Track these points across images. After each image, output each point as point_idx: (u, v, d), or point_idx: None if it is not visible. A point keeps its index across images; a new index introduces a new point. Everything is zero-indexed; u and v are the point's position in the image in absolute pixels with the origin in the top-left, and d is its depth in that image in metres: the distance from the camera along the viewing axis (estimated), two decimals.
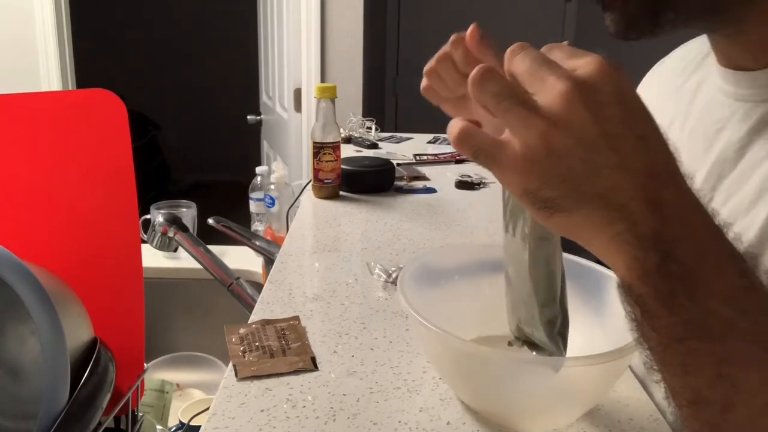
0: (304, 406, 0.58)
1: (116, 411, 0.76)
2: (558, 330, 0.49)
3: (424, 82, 0.56)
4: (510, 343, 0.54)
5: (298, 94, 2.34)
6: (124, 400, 0.76)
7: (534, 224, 0.46)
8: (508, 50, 0.39)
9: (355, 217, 1.14)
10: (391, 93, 3.52)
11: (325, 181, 1.21)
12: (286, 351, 0.66)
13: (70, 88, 2.47)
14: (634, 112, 0.36)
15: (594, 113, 0.34)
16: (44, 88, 2.38)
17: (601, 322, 0.58)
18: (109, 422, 0.73)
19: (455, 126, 0.39)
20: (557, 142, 0.35)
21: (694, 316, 0.35)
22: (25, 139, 0.77)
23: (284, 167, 1.61)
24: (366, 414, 0.57)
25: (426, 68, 0.55)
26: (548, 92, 0.35)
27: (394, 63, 3.48)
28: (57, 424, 0.61)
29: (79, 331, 0.70)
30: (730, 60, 0.57)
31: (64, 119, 0.78)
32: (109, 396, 0.70)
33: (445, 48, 0.52)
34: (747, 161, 0.54)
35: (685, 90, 0.66)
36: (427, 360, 0.65)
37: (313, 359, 0.65)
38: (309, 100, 2.30)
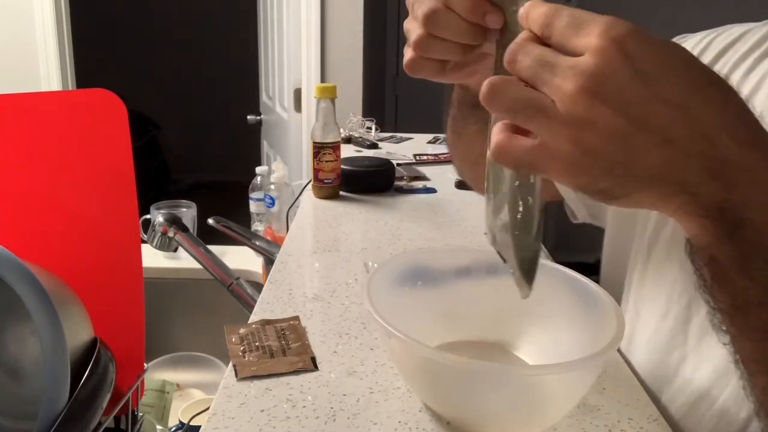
0: (304, 406, 0.58)
1: (116, 411, 0.76)
2: (530, 261, 0.44)
3: (409, 56, 0.51)
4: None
5: (298, 94, 2.34)
6: (124, 400, 0.76)
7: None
8: (507, 52, 0.37)
9: (355, 217, 1.14)
10: (391, 93, 3.52)
11: (325, 181, 1.21)
12: (286, 351, 0.66)
13: (70, 88, 2.47)
14: (660, 80, 0.33)
15: (612, 104, 0.33)
16: (44, 88, 2.38)
17: (584, 334, 0.56)
18: (109, 422, 0.73)
19: (492, 141, 0.37)
20: (587, 142, 0.34)
21: None
22: (24, 140, 0.77)
23: (284, 167, 1.61)
24: (366, 414, 0.57)
25: (415, 39, 0.49)
26: (558, 95, 0.34)
27: (394, 63, 3.48)
28: (57, 424, 0.61)
29: (79, 331, 0.70)
30: None
31: (64, 119, 0.78)
32: (109, 396, 0.70)
33: (433, 5, 0.46)
34: None
35: None
36: (394, 367, 0.64)
37: (313, 359, 0.65)
38: (309, 100, 2.30)
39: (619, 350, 0.65)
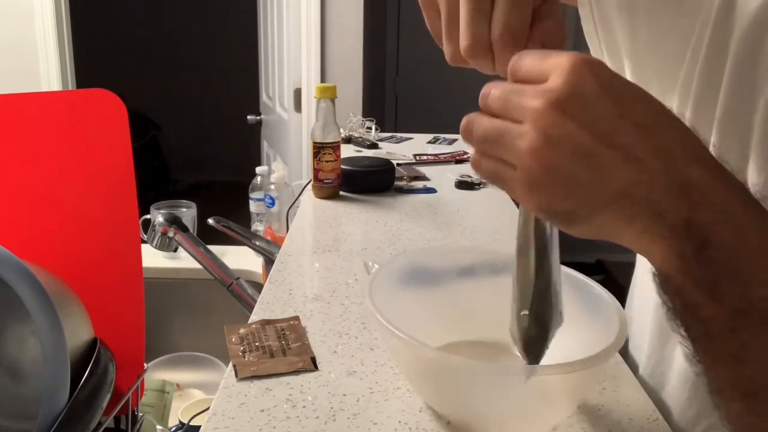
0: (304, 406, 0.58)
1: (116, 411, 0.76)
2: (531, 338, 0.46)
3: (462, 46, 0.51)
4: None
5: (298, 94, 2.34)
6: (124, 400, 0.76)
7: (527, 231, 0.45)
8: (481, 93, 0.39)
9: (355, 217, 1.14)
10: (391, 93, 3.52)
11: (325, 181, 1.21)
12: (286, 351, 0.66)
13: (70, 88, 2.47)
14: (627, 100, 0.34)
15: (579, 119, 0.33)
16: (44, 88, 2.38)
17: (586, 334, 0.55)
18: (109, 422, 0.73)
19: (472, 155, 0.40)
20: (550, 159, 0.34)
21: (743, 304, 0.33)
22: (25, 140, 0.77)
23: (284, 167, 1.61)
24: (366, 414, 0.57)
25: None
26: (526, 114, 0.35)
27: (394, 63, 3.48)
28: (57, 424, 0.61)
29: (79, 331, 0.70)
30: None
31: (64, 119, 0.78)
32: (109, 396, 0.70)
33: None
34: None
35: None
36: (394, 367, 0.64)
37: (313, 359, 0.65)
38: (309, 100, 2.30)
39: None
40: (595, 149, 0.34)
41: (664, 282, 0.35)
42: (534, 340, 0.46)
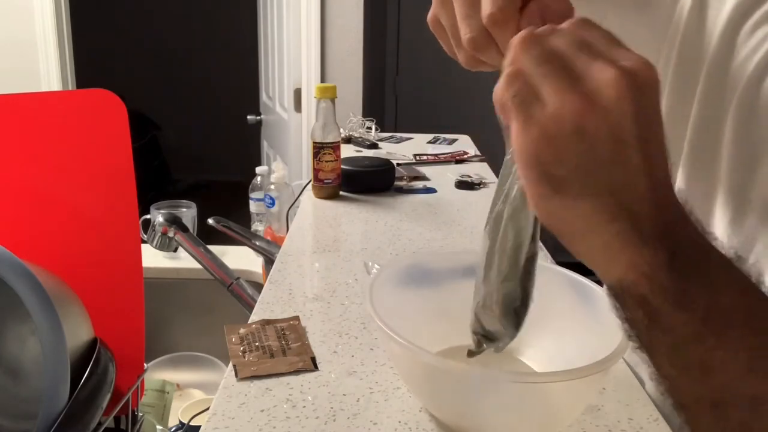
0: (304, 406, 0.58)
1: (116, 411, 0.76)
2: (515, 306, 0.46)
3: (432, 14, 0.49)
4: (469, 352, 0.51)
5: (298, 94, 2.34)
6: (124, 400, 0.76)
7: (515, 197, 0.44)
8: (542, 28, 0.37)
9: (355, 217, 1.14)
10: (391, 93, 3.52)
11: (325, 181, 1.21)
12: (286, 351, 0.66)
13: (70, 88, 2.47)
14: (660, 123, 0.35)
15: (636, 110, 0.33)
16: (44, 88, 2.38)
17: (589, 339, 0.55)
18: (109, 422, 0.73)
19: (511, 69, 0.36)
20: (590, 125, 0.33)
21: (710, 311, 0.33)
22: (25, 140, 0.77)
23: (284, 167, 1.61)
24: (366, 414, 0.57)
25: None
26: (596, 74, 0.33)
27: (394, 63, 3.48)
28: (57, 424, 0.61)
29: (79, 331, 0.70)
30: None
31: (64, 119, 0.78)
32: (109, 396, 0.70)
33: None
34: None
35: None
36: (392, 367, 0.63)
37: (313, 359, 0.65)
38: (309, 100, 2.30)
39: None
40: (628, 142, 0.33)
41: (625, 294, 0.35)
42: (518, 310, 0.45)
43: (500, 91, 0.36)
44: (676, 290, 0.33)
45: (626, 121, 0.33)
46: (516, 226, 0.44)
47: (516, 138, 0.35)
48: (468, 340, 0.63)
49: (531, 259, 0.44)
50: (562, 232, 0.36)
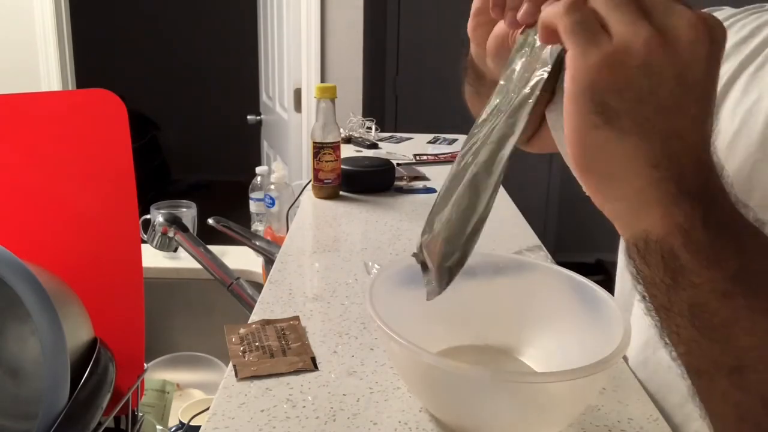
0: (304, 406, 0.58)
1: (116, 411, 0.76)
2: (449, 265, 0.44)
3: (472, 24, 0.50)
4: (414, 254, 0.50)
5: (298, 94, 2.34)
6: (124, 400, 0.76)
7: (483, 162, 0.42)
8: None
9: (355, 217, 1.14)
10: (391, 93, 3.52)
11: (325, 181, 1.21)
12: (286, 351, 0.66)
13: (70, 88, 2.47)
14: (716, 84, 0.34)
15: (707, 58, 0.33)
16: (44, 88, 2.38)
17: (587, 339, 0.56)
18: (109, 422, 0.73)
19: None
20: (659, 61, 0.32)
21: (741, 272, 0.32)
22: (25, 140, 0.77)
23: (284, 167, 1.61)
24: (366, 414, 0.57)
25: (475, 6, 0.48)
26: (676, 12, 0.33)
27: (394, 63, 3.48)
28: (57, 424, 0.61)
29: (79, 331, 0.70)
30: None
31: (64, 119, 0.78)
32: (109, 396, 0.70)
33: None
34: None
35: None
36: (392, 367, 0.63)
37: (313, 359, 0.65)
38: (309, 100, 2.30)
39: None
40: (693, 89, 0.33)
41: (648, 248, 0.34)
42: (452, 269, 0.44)
43: (554, 15, 0.35)
44: (711, 246, 0.33)
45: (697, 66, 0.32)
46: (475, 190, 0.42)
47: (573, 63, 0.34)
48: (468, 340, 0.63)
49: (480, 223, 0.43)
50: (597, 171, 0.35)
